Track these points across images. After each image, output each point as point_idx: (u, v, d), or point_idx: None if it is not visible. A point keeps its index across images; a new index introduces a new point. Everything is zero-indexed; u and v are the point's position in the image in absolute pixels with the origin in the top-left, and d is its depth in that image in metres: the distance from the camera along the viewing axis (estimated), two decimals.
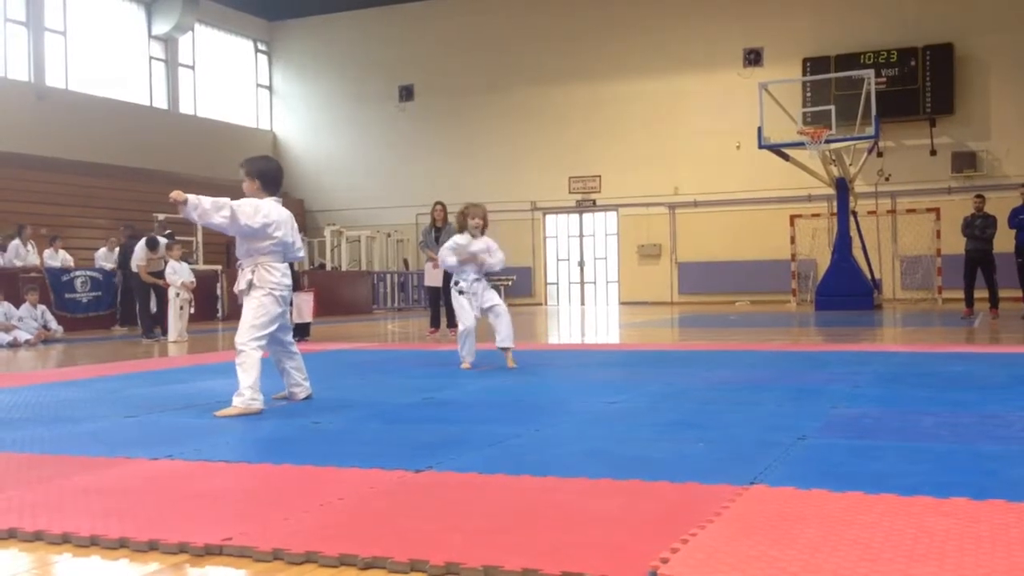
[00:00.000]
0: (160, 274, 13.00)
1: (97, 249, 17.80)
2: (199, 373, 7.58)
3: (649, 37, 24.96)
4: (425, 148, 27.26)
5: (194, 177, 24.54)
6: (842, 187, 18.22)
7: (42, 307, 13.34)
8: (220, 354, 9.69)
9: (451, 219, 10.91)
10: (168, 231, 13.39)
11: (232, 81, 28.04)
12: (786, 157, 18.52)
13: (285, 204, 5.52)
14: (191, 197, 5.06)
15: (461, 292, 7.55)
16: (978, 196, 14.53)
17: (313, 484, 3.26)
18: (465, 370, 7.24)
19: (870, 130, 17.81)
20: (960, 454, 3.56)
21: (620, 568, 2.23)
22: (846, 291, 17.71)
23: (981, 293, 14.18)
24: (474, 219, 7.65)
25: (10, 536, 2.68)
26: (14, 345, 11.99)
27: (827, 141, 17.52)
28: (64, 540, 2.62)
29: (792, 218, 21.86)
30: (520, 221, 26.03)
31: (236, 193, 5.52)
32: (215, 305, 18.47)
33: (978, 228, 13.88)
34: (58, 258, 16.15)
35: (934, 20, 22.52)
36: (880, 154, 21.64)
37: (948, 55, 22.40)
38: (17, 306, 12.90)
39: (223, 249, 21.32)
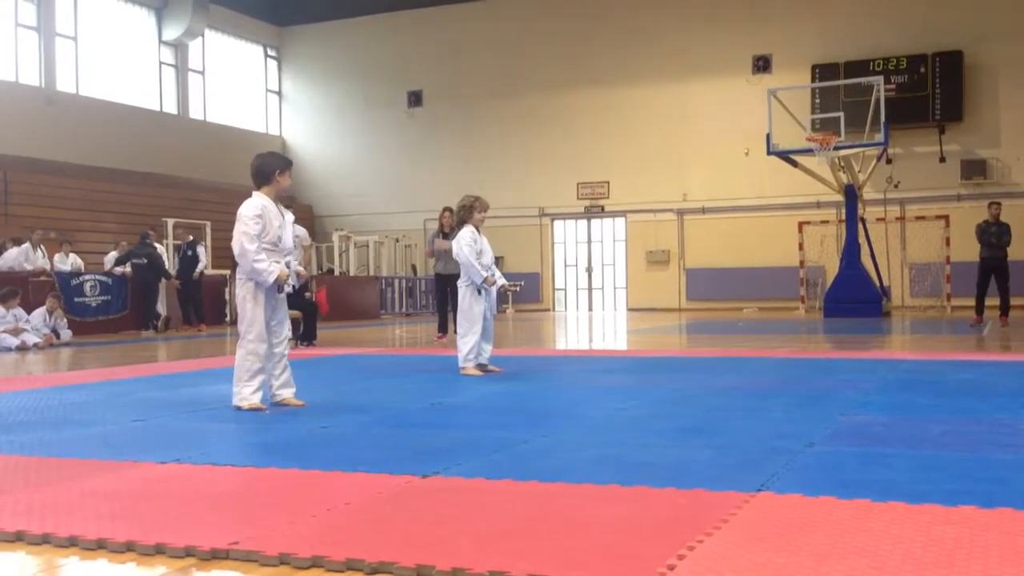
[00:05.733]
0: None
1: (107, 253, 17.87)
2: (207, 377, 7.59)
3: (658, 43, 24.96)
4: (434, 153, 27.29)
5: (203, 182, 24.64)
6: (851, 194, 18.17)
7: (56, 315, 13.36)
8: (228, 358, 9.69)
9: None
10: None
11: (242, 86, 28.11)
12: (795, 164, 18.48)
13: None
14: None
15: (481, 291, 7.45)
16: (994, 203, 14.32)
17: (320, 488, 3.26)
18: (472, 375, 7.23)
19: (879, 137, 17.77)
20: (969, 462, 3.54)
21: (627, 574, 2.23)
22: (855, 298, 17.65)
23: (990, 301, 14.12)
24: (482, 213, 7.57)
25: (17, 539, 2.68)
26: (22, 348, 12.02)
27: (836, 148, 17.47)
28: (71, 543, 2.63)
29: (801, 225, 21.82)
30: (528, 227, 26.04)
31: (245, 196, 5.58)
32: (223, 309, 18.52)
33: (993, 235, 13.77)
34: (68, 262, 16.23)
35: (943, 27, 22.47)
36: (889, 161, 21.59)
37: (957, 62, 22.34)
38: (28, 311, 12.94)
39: (230, 253, 21.31)
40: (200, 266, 16.81)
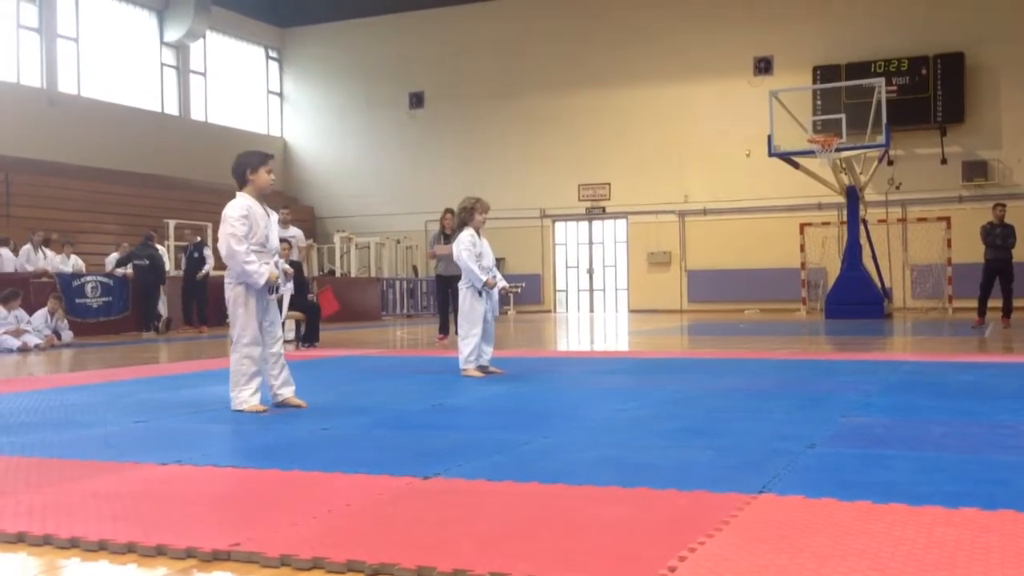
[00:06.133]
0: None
1: (108, 254, 17.88)
2: (208, 378, 7.59)
3: (660, 45, 24.97)
4: (435, 155, 27.30)
5: (204, 183, 24.64)
6: (852, 195, 18.17)
7: (58, 316, 13.37)
8: (229, 360, 9.68)
9: None
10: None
11: (243, 88, 28.13)
12: (796, 165, 18.49)
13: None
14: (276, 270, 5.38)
15: (481, 293, 7.44)
16: (999, 205, 14.25)
17: (321, 490, 3.26)
18: (473, 377, 7.23)
19: (880, 138, 17.77)
20: (970, 464, 3.54)
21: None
22: (856, 300, 17.64)
23: (992, 303, 14.10)
24: (483, 214, 7.57)
25: (19, 540, 2.69)
26: (24, 350, 12.03)
27: (837, 149, 17.48)
28: (72, 544, 2.63)
29: (802, 226, 21.81)
30: (529, 228, 26.04)
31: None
32: (224, 311, 18.51)
33: (999, 237, 13.74)
34: (70, 263, 16.23)
35: (945, 29, 22.47)
36: (890, 162, 21.58)
37: (959, 64, 22.34)
38: (29, 312, 12.95)
39: None
40: (206, 268, 16.80)
